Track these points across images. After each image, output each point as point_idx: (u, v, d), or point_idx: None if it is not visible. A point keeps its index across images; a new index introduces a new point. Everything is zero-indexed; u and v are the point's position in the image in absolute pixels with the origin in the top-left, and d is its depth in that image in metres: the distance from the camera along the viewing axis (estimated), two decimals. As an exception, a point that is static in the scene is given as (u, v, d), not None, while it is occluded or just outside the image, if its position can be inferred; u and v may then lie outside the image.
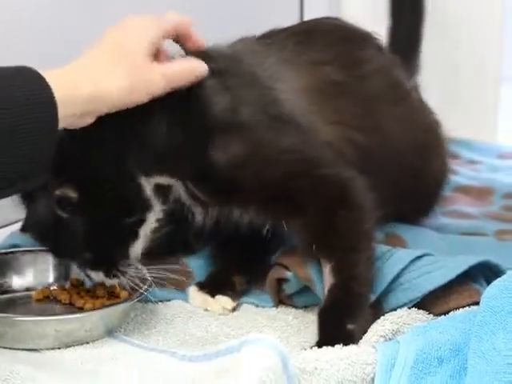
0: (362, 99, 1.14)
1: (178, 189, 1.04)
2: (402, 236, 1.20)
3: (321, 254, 1.02)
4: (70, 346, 0.97)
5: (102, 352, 0.96)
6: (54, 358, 0.95)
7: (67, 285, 1.10)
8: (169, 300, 1.10)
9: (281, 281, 1.09)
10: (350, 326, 0.97)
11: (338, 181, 1.04)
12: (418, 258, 1.04)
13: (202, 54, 1.04)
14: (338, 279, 1.00)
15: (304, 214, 1.02)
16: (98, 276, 1.03)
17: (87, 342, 0.98)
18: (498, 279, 0.89)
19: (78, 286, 1.09)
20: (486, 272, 1.04)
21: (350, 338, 0.95)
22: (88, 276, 1.05)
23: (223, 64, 1.05)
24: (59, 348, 0.96)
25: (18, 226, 1.17)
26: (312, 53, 1.13)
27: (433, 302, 1.01)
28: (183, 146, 1.01)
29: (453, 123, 1.81)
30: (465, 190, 1.55)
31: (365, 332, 0.96)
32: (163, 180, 1.04)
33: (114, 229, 1.01)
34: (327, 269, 1.01)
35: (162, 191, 1.04)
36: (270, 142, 1.02)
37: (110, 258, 1.02)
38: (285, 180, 1.02)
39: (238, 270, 1.13)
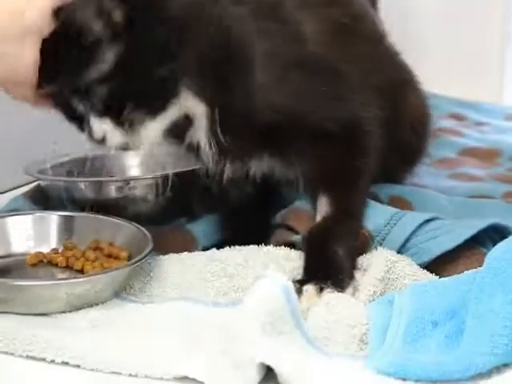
0: (364, 41, 1.14)
1: (201, 125, 1.01)
2: (408, 199, 1.19)
3: (322, 186, 1.04)
4: (79, 309, 0.96)
5: (113, 313, 0.96)
6: (66, 321, 0.94)
7: (60, 249, 1.09)
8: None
9: (287, 245, 1.08)
10: (337, 249, 0.98)
11: (361, 129, 1.06)
12: (426, 221, 1.04)
13: None
14: (333, 209, 1.03)
15: (320, 149, 1.04)
16: (100, 127, 0.97)
17: (96, 304, 0.97)
18: (503, 240, 0.88)
19: (71, 249, 1.08)
20: (493, 235, 1.04)
21: (336, 261, 0.97)
22: (87, 131, 0.97)
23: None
24: (70, 311, 0.96)
25: (19, 191, 1.18)
26: None
27: (441, 266, 1.01)
28: (223, 65, 0.98)
29: (459, 84, 1.80)
30: (471, 152, 1.55)
31: (353, 265, 0.99)
32: (191, 103, 0.99)
33: (145, 81, 0.95)
34: (323, 200, 1.03)
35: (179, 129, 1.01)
36: (308, 83, 1.03)
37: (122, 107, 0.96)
38: (318, 123, 1.03)
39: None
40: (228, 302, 0.94)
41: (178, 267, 1.04)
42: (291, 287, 0.85)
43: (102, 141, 0.98)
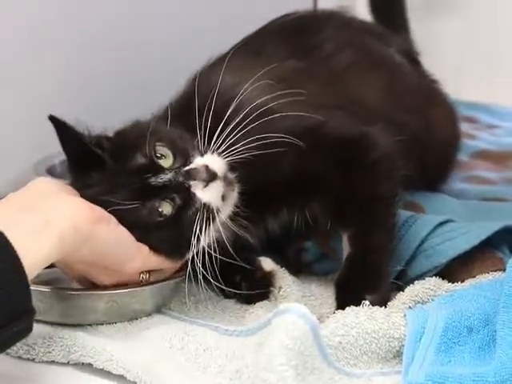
0: (333, 77, 1.11)
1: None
2: (421, 203, 1.20)
3: (338, 224, 1.00)
4: (118, 321, 0.96)
5: (142, 322, 0.97)
6: (103, 331, 0.95)
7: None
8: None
9: (300, 251, 1.11)
10: (368, 297, 0.94)
11: (348, 140, 1.01)
12: (441, 223, 1.05)
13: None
14: (354, 248, 0.98)
15: (323, 189, 1.00)
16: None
17: (136, 318, 0.97)
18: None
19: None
20: (508, 239, 1.05)
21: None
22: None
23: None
24: (108, 323, 0.96)
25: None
26: (270, 53, 1.12)
27: (455, 270, 1.02)
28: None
29: (470, 87, 1.81)
30: (484, 156, 1.55)
31: (385, 303, 0.95)
32: None
33: None
34: (344, 238, 1.00)
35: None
36: (265, 126, 0.96)
37: None
38: (295, 159, 0.98)
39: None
40: (252, 328, 0.91)
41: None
42: (317, 321, 0.82)
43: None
